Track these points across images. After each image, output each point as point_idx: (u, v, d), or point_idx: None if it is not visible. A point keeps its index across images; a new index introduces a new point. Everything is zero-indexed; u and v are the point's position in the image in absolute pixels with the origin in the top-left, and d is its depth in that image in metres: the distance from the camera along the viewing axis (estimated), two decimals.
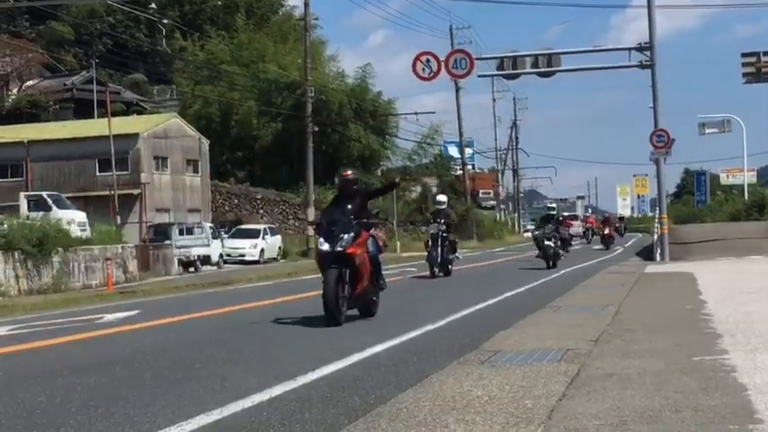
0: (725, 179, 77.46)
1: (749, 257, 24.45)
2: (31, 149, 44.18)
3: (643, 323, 9.29)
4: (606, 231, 42.52)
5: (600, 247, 42.37)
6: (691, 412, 4.83)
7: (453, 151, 75.62)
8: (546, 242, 24.16)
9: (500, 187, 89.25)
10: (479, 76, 31.17)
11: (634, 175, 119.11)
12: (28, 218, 25.72)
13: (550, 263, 23.82)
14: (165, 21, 58.92)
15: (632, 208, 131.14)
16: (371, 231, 11.35)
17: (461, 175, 70.05)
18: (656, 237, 29.87)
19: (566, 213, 48.22)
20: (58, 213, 27.86)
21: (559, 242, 26.09)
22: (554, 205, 44.47)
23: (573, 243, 42.17)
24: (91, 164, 43.41)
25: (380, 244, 11.97)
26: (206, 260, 34.32)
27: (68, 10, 62.71)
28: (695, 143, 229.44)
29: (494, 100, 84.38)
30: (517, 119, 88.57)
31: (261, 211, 53.28)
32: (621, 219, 74.87)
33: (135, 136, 43.25)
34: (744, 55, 35.66)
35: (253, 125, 57.04)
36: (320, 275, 10.73)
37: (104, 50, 65.28)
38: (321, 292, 10.36)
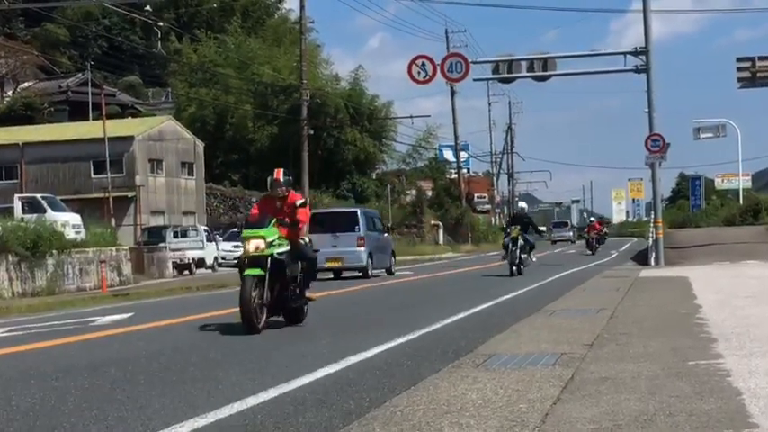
0: (720, 184, 77.55)
1: (744, 262, 24.50)
2: (25, 151, 44.18)
3: (638, 327, 9.29)
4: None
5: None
6: (685, 416, 4.83)
7: (449, 155, 75.76)
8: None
9: (495, 191, 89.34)
10: (475, 80, 30.99)
11: (629, 180, 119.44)
12: (22, 220, 25.68)
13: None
14: (161, 23, 58.88)
15: (627, 212, 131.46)
16: None
17: (457, 179, 70.17)
18: (651, 241, 29.88)
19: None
20: (52, 216, 27.79)
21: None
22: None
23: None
24: (86, 166, 43.42)
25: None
26: (200, 263, 34.29)
27: (64, 12, 62.73)
28: (690, 148, 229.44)
29: (489, 104, 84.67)
30: (512, 123, 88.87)
31: None
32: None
33: (130, 138, 43.28)
34: (739, 60, 35.65)
35: (248, 128, 57.01)
36: None
37: (99, 53, 65.30)
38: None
